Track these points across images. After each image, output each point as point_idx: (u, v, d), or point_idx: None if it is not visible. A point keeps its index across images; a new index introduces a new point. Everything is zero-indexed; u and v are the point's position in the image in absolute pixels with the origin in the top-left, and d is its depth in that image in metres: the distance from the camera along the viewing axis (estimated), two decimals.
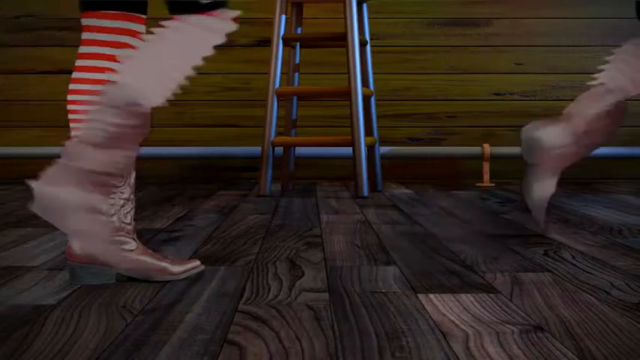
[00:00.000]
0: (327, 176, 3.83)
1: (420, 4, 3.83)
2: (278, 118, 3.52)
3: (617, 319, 1.17)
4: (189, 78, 3.76)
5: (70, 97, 1.49)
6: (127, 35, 1.49)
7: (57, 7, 3.72)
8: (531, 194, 1.91)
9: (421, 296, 1.32)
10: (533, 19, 3.85)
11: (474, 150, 3.73)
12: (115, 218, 1.44)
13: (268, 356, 0.99)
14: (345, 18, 3.03)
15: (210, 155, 3.74)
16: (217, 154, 3.75)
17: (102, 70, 1.48)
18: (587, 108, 1.90)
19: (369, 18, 3.57)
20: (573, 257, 1.71)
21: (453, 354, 0.99)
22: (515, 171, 3.87)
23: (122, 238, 1.44)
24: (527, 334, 1.08)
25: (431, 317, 1.18)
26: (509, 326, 1.13)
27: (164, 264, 1.46)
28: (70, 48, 3.74)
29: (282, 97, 3.27)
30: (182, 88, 3.80)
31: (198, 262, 1.50)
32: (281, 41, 3.11)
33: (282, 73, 3.40)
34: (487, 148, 3.69)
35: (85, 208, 1.35)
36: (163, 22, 1.42)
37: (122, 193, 1.46)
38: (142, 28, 1.52)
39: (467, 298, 1.31)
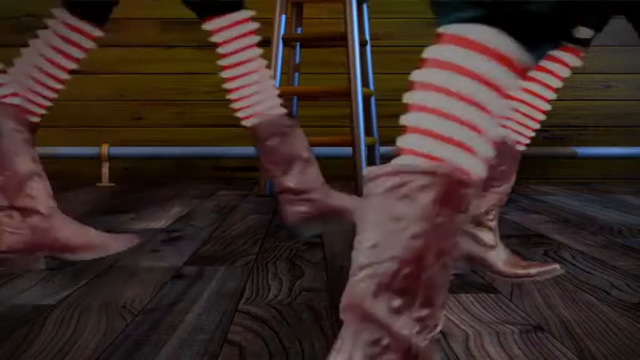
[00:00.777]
0: (327, 176, 3.83)
1: (420, 4, 3.83)
2: None
3: (617, 319, 1.17)
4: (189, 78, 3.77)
5: None
6: None
7: (57, 7, 3.71)
8: None
9: None
10: None
11: None
12: None
13: (268, 356, 0.99)
14: (345, 18, 3.03)
15: (210, 155, 3.74)
16: (217, 154, 3.74)
17: None
18: None
19: (369, 18, 3.57)
20: (573, 257, 1.71)
21: (453, 354, 0.99)
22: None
23: None
24: (527, 334, 1.08)
25: None
26: (509, 326, 1.13)
27: None
28: None
29: (282, 97, 3.27)
30: (182, 88, 3.80)
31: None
32: (281, 41, 3.11)
33: (282, 73, 3.39)
34: None
35: None
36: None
37: None
38: None
39: (467, 298, 1.31)
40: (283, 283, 1.43)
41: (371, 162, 3.27)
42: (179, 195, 3.13)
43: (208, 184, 3.66)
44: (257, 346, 1.03)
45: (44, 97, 1.70)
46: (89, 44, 1.75)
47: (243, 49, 1.80)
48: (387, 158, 3.72)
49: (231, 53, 1.81)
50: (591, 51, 3.85)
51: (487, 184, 1.50)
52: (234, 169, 3.83)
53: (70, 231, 1.54)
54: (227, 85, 1.84)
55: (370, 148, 3.28)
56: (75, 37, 1.75)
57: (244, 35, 1.80)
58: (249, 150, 3.68)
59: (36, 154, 1.56)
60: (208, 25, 1.81)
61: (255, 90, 1.82)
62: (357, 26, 3.05)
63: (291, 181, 1.84)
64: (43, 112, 1.71)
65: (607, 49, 3.85)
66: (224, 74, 1.83)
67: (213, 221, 2.31)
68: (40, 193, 1.53)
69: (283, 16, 3.11)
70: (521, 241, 1.93)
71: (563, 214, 2.49)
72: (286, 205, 1.86)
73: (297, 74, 3.37)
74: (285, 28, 3.15)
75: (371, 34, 3.81)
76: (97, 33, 1.76)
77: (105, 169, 3.68)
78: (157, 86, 3.81)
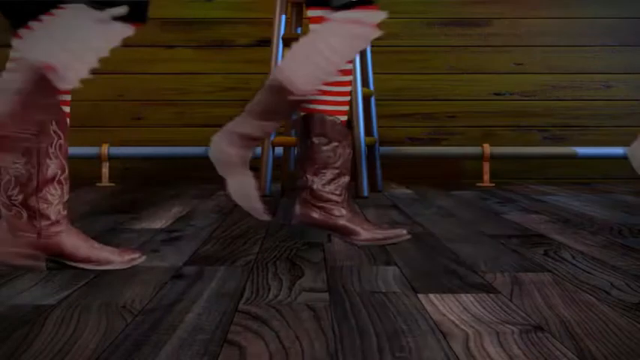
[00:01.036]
0: None
1: (420, 4, 3.83)
2: None
3: (617, 319, 1.17)
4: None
5: None
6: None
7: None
8: None
9: (421, 296, 1.32)
10: (533, 19, 3.85)
11: (474, 150, 3.73)
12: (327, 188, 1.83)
13: (268, 356, 0.99)
14: None
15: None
16: None
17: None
18: None
19: None
20: (573, 257, 1.71)
21: (453, 354, 0.99)
22: (515, 171, 3.87)
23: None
24: (527, 334, 1.08)
25: (431, 317, 1.18)
26: (509, 326, 1.13)
27: None
28: None
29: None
30: (182, 88, 3.81)
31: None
32: (281, 41, 3.11)
33: None
34: (487, 148, 3.68)
35: (240, 161, 1.75)
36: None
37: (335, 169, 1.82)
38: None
39: (467, 298, 1.31)
40: (283, 283, 1.43)
41: (371, 162, 3.27)
42: (179, 195, 3.13)
43: (208, 184, 3.66)
44: (257, 346, 1.03)
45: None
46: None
47: None
48: (386, 158, 3.72)
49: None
50: (591, 51, 3.85)
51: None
52: None
53: (74, 241, 1.54)
54: None
55: (370, 148, 3.28)
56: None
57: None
58: None
59: (66, 162, 1.57)
60: (312, 12, 1.82)
61: (326, 90, 1.83)
62: None
63: (317, 183, 1.83)
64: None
65: (607, 49, 3.85)
66: None
67: (213, 221, 2.31)
68: (55, 200, 1.53)
69: (283, 16, 3.11)
70: (522, 241, 1.93)
71: (563, 214, 2.49)
72: (300, 205, 1.86)
73: None
74: (285, 28, 3.15)
75: None
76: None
77: (105, 169, 3.68)
78: (157, 86, 3.81)
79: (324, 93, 1.84)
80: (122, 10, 1.48)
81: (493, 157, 3.74)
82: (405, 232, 1.90)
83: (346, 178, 1.86)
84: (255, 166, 3.77)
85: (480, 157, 3.72)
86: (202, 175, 3.81)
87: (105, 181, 3.67)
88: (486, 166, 3.68)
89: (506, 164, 3.86)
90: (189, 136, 3.80)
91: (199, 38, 3.76)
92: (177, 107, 3.82)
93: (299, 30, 3.32)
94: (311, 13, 1.83)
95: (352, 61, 1.87)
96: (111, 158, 3.70)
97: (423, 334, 1.08)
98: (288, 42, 3.16)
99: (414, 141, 3.84)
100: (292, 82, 1.66)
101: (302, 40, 1.72)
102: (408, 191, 3.29)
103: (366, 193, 2.99)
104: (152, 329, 1.11)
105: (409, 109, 3.82)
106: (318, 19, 1.81)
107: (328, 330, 1.11)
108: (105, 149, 3.65)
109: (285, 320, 1.16)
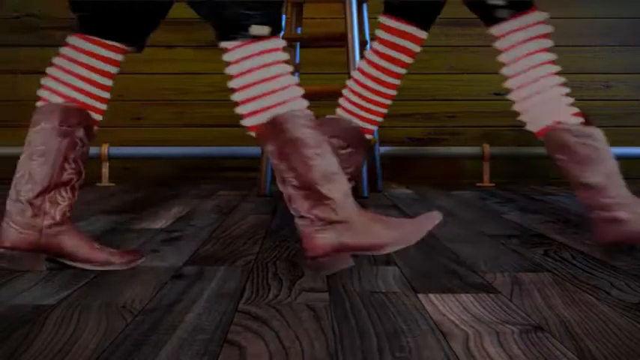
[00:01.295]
0: None
1: None
2: None
3: (617, 319, 1.17)
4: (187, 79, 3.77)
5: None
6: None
7: (57, 7, 3.71)
8: None
9: (421, 296, 1.32)
10: None
11: (474, 150, 3.73)
12: None
13: (268, 356, 0.99)
14: (345, 18, 3.03)
15: (210, 155, 3.74)
16: (217, 154, 3.74)
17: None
18: None
19: (369, 18, 3.56)
20: (573, 257, 1.71)
21: (453, 354, 0.99)
22: (515, 171, 3.86)
23: None
24: (527, 334, 1.08)
25: (431, 317, 1.18)
26: (509, 326, 1.13)
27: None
28: None
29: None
30: (182, 88, 3.80)
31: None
32: None
33: None
34: (487, 148, 3.68)
35: None
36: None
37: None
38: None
39: (467, 298, 1.31)
40: (283, 283, 1.43)
41: (371, 162, 3.27)
42: (179, 195, 3.13)
43: (208, 184, 3.66)
44: (257, 346, 1.03)
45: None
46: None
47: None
48: (386, 158, 3.72)
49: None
50: (591, 51, 3.85)
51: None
52: (234, 169, 3.83)
53: (75, 242, 1.54)
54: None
55: (370, 148, 3.27)
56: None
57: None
58: (249, 150, 3.67)
59: (83, 168, 1.57)
60: (388, 21, 1.84)
61: (366, 96, 1.85)
62: (357, 26, 3.05)
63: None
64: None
65: (607, 49, 3.85)
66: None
67: (213, 221, 2.31)
68: (63, 202, 1.53)
69: (283, 16, 3.11)
70: (521, 241, 1.93)
71: (563, 214, 2.49)
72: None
73: (297, 74, 3.37)
74: (285, 28, 3.15)
75: (371, 34, 3.80)
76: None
77: (105, 169, 3.68)
78: (157, 86, 3.81)
79: (363, 98, 1.84)
80: (264, 30, 1.49)
81: (493, 157, 3.74)
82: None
83: (352, 183, 1.85)
84: (255, 166, 3.77)
85: (480, 157, 3.72)
86: (202, 175, 3.81)
87: (105, 181, 3.67)
88: (486, 166, 3.68)
89: (506, 164, 3.86)
90: (189, 136, 3.80)
91: (199, 38, 3.76)
92: (177, 107, 3.81)
93: (299, 30, 3.32)
94: (387, 21, 1.83)
95: (401, 76, 1.87)
96: (111, 158, 3.70)
97: (423, 334, 1.08)
98: (288, 42, 3.16)
99: (414, 141, 3.84)
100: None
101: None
102: (408, 191, 3.29)
103: (366, 193, 2.99)
104: (152, 329, 1.11)
105: (409, 109, 3.82)
106: (396, 32, 1.81)
107: (328, 330, 1.11)
108: (105, 149, 3.65)
109: (285, 320, 1.16)
